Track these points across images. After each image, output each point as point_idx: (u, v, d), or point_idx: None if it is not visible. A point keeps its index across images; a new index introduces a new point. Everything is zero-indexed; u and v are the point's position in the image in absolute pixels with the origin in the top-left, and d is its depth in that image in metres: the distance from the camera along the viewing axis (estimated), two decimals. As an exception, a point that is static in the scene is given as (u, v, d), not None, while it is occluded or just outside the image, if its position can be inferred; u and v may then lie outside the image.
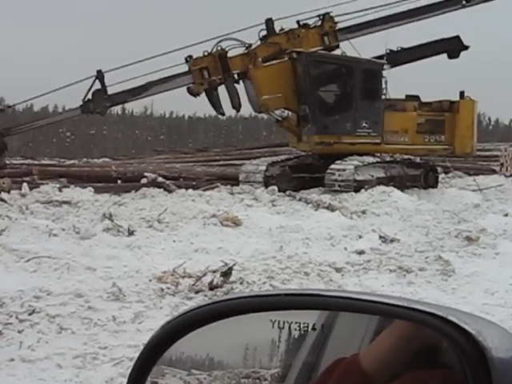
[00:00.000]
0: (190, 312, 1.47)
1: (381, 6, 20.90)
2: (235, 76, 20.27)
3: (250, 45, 20.30)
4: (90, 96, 20.22)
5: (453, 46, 21.74)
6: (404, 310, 1.35)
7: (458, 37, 21.76)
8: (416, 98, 21.47)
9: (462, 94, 21.37)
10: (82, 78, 20.22)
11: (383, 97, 20.52)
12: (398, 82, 22.05)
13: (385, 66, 20.41)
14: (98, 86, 20.15)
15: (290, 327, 1.51)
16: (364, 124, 20.08)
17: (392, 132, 20.45)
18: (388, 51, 21.21)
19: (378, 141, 20.25)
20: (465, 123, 20.96)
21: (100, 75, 20.05)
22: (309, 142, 20.04)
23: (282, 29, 20.64)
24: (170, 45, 21.66)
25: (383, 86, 20.40)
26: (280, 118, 20.97)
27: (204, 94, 20.35)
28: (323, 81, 20.54)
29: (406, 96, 21.56)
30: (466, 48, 21.80)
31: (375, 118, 20.21)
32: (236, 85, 20.41)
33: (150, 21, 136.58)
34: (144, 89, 20.34)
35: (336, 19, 20.96)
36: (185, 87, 20.36)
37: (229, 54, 20.17)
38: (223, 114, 21.83)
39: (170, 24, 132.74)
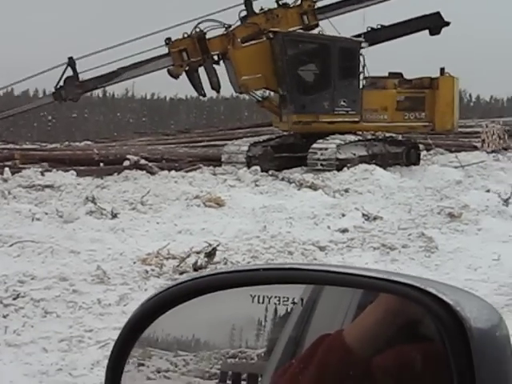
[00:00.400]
0: (171, 288, 1.47)
1: None
2: (215, 57, 20.22)
3: (230, 26, 20.22)
4: (62, 83, 20.18)
5: (433, 23, 21.69)
6: (384, 283, 1.34)
7: (438, 13, 21.71)
8: (399, 75, 21.45)
9: (442, 70, 21.37)
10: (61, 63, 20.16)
11: (363, 75, 20.52)
12: (383, 60, 21.99)
13: (363, 44, 20.34)
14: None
15: (270, 302, 1.52)
16: (342, 102, 20.07)
17: (371, 110, 20.46)
18: (368, 29, 21.18)
19: (356, 119, 20.26)
20: (444, 100, 20.96)
21: (71, 62, 20.00)
22: (287, 122, 20.04)
23: (261, 9, 20.56)
24: (149, 27, 21.61)
25: (361, 64, 20.37)
26: (260, 99, 20.94)
27: (185, 75, 20.32)
28: (300, 60, 20.42)
29: (389, 73, 21.54)
30: (447, 24, 21.75)
31: (353, 97, 20.20)
32: (216, 66, 20.37)
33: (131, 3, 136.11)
34: (116, 74, 20.29)
35: (315, -2, 20.92)
36: (165, 69, 20.32)
37: (208, 36, 20.11)
38: (204, 95, 21.80)
39: (151, 6, 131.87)
